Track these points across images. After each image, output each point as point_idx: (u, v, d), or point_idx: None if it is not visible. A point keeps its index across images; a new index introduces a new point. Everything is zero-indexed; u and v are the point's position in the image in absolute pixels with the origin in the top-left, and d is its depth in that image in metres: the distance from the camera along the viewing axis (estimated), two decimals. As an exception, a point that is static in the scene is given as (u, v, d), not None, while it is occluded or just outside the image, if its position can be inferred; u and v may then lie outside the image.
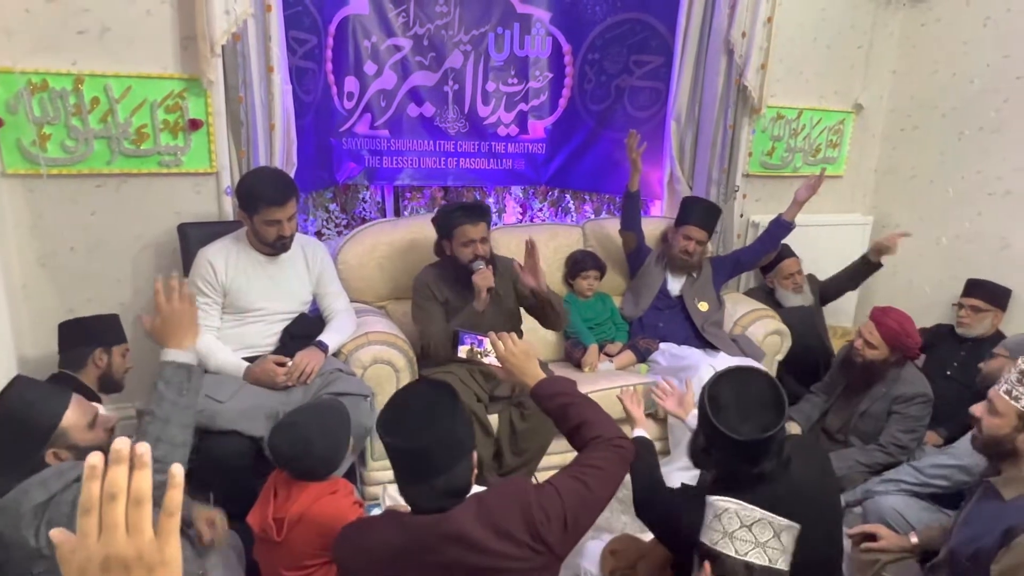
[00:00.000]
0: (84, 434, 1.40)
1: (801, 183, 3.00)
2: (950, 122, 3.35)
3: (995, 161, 3.16)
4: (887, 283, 3.65)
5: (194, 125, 2.44)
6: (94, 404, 1.48)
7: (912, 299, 3.48)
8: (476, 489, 1.28)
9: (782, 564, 1.18)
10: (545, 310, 2.44)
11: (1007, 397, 1.48)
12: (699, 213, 2.96)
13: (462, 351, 1.66)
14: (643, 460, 1.59)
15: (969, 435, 1.79)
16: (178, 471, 0.58)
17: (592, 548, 1.86)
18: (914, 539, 1.90)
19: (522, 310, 2.61)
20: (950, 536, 1.67)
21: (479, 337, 1.64)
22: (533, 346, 1.58)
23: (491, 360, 1.59)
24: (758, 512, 1.19)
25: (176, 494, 0.58)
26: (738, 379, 1.41)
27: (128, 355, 2.22)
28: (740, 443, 1.33)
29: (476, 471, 1.29)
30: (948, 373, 2.82)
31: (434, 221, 2.52)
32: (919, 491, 2.16)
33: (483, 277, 2.35)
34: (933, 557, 1.75)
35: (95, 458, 0.56)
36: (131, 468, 0.56)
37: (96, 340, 2.12)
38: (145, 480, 0.57)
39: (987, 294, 2.86)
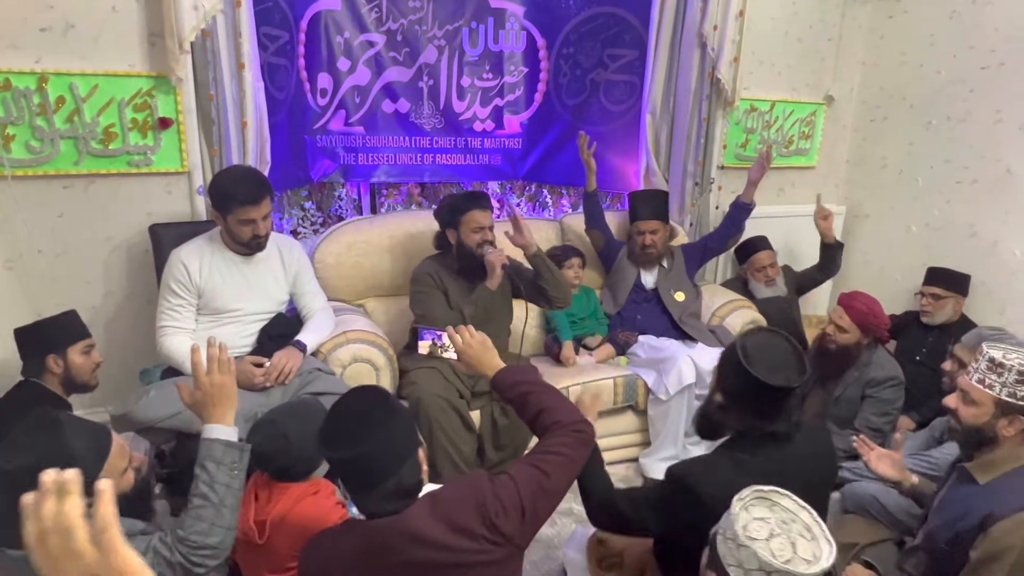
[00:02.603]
0: (119, 481, 1.33)
1: (758, 169, 3.04)
2: (918, 112, 3.42)
3: (962, 150, 3.22)
4: (860, 272, 3.72)
5: (164, 124, 2.40)
6: (124, 444, 1.38)
7: (884, 287, 3.54)
8: (431, 487, 1.27)
9: None
10: (542, 273, 2.45)
11: (980, 386, 1.50)
12: (644, 206, 3.00)
13: (422, 347, 1.65)
14: (591, 469, 1.56)
15: (946, 445, 1.82)
16: (106, 485, 0.63)
17: (577, 536, 1.87)
18: (915, 479, 1.87)
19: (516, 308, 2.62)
20: (926, 520, 1.71)
21: (438, 332, 1.64)
22: (487, 339, 1.56)
23: (450, 354, 1.59)
24: (785, 554, 1.10)
25: (104, 510, 0.62)
26: (766, 337, 1.47)
27: (93, 351, 2.09)
28: (770, 390, 1.37)
29: (426, 468, 1.27)
30: (918, 359, 2.88)
31: (437, 213, 2.55)
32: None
33: (497, 256, 2.40)
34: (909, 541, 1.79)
35: (28, 497, 0.60)
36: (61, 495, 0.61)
37: (47, 345, 2.01)
38: (71, 509, 0.61)
39: (946, 281, 2.93)
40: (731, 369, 1.45)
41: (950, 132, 3.27)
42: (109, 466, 1.31)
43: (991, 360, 1.49)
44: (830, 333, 2.48)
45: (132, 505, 1.36)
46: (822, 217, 3.27)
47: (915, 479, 1.89)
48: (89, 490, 1.25)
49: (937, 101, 3.32)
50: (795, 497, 1.19)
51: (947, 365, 2.17)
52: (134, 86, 2.34)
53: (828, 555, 1.10)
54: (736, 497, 1.17)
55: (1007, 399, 1.47)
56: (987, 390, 1.49)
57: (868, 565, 1.79)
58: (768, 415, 1.43)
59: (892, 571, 1.73)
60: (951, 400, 1.59)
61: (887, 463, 1.83)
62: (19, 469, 1.21)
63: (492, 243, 2.46)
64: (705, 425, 1.58)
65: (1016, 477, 1.49)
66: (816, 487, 1.56)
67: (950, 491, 1.66)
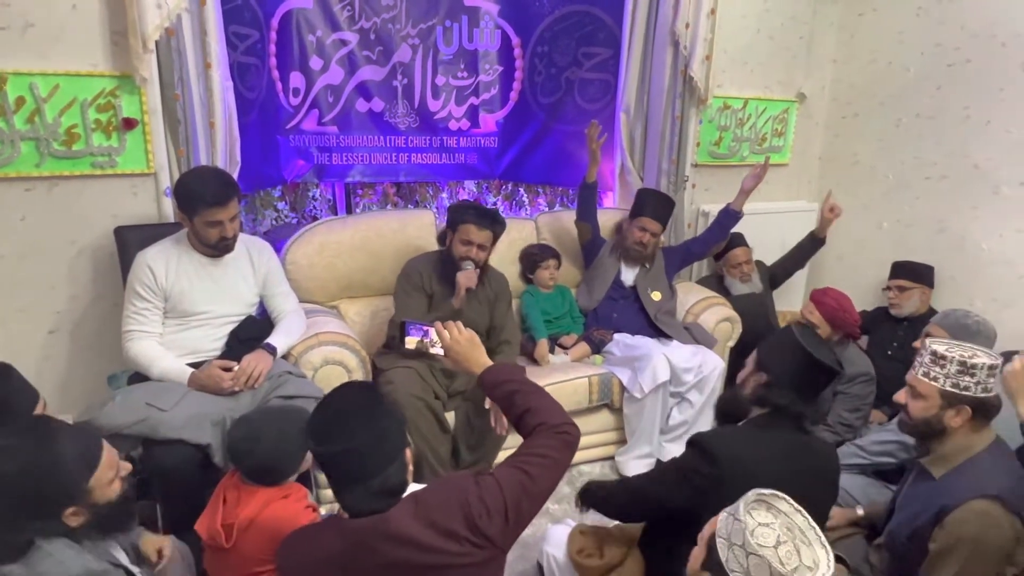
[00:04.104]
0: (105, 491, 1.30)
1: (748, 172, 3.06)
2: (888, 109, 3.46)
3: (930, 146, 3.27)
4: (833, 268, 3.76)
5: (128, 124, 2.35)
6: (114, 453, 1.35)
7: (856, 282, 3.59)
8: (415, 487, 1.26)
9: None
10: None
11: (926, 379, 1.54)
12: (654, 205, 2.99)
13: (410, 343, 1.64)
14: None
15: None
16: None
17: (556, 533, 1.86)
18: (860, 511, 1.98)
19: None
20: (890, 518, 1.73)
21: (425, 328, 1.63)
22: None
23: (437, 350, 1.58)
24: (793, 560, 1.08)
25: None
26: (813, 332, 1.63)
27: (45, 412, 1.64)
28: (818, 370, 1.51)
29: (411, 469, 1.27)
30: (889, 353, 2.92)
31: (448, 210, 2.58)
32: (866, 468, 2.24)
33: (467, 276, 2.40)
34: (878, 534, 1.81)
35: None
36: None
37: None
38: None
39: (910, 273, 2.98)
40: (783, 350, 1.56)
41: (919, 129, 3.31)
42: (98, 475, 1.28)
43: (934, 353, 1.53)
44: None
45: (116, 514, 1.33)
46: (829, 209, 3.28)
47: (860, 511, 1.98)
48: (80, 499, 1.24)
49: (906, 98, 3.36)
50: (790, 500, 1.19)
51: (918, 343, 2.20)
52: (97, 86, 2.29)
53: (827, 561, 1.08)
54: (742, 499, 1.16)
55: (951, 390, 1.51)
56: (932, 383, 1.53)
57: (838, 559, 1.81)
58: (807, 395, 1.54)
59: (861, 565, 1.75)
60: (900, 396, 1.63)
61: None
62: (3, 476, 1.18)
63: (475, 262, 2.45)
64: (732, 407, 1.67)
65: (967, 469, 1.52)
66: (819, 501, 1.58)
67: (910, 488, 1.69)
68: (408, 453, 1.25)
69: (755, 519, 1.12)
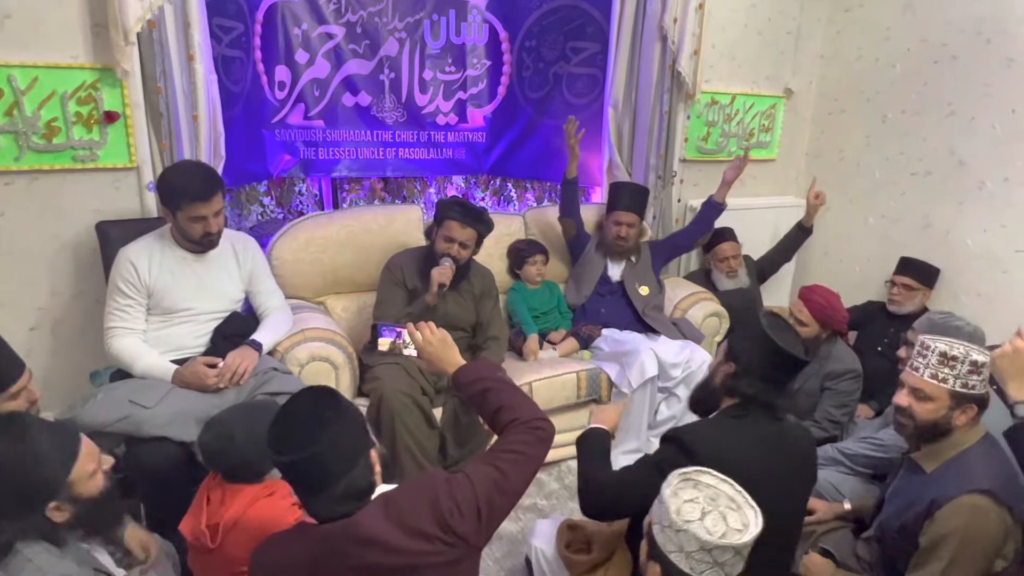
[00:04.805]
0: (87, 484, 1.28)
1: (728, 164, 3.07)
2: (874, 106, 3.47)
3: (916, 142, 3.29)
4: (820, 263, 3.78)
5: (110, 118, 2.31)
6: (93, 446, 1.34)
7: (843, 278, 3.61)
8: (385, 487, 1.25)
9: (738, 567, 1.17)
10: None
11: (935, 381, 1.52)
12: (625, 197, 2.99)
13: (383, 344, 1.62)
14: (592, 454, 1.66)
15: (892, 427, 1.86)
16: None
17: (544, 527, 1.86)
18: (847, 506, 1.99)
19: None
20: (879, 510, 1.74)
21: (397, 329, 1.61)
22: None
23: (411, 352, 1.57)
24: (718, 533, 1.13)
25: None
26: (779, 321, 1.60)
27: (26, 390, 1.58)
28: (784, 360, 1.49)
29: (378, 469, 1.24)
30: (879, 349, 2.93)
31: (436, 205, 2.56)
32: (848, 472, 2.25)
33: (440, 272, 2.37)
34: (866, 527, 1.82)
35: None
36: None
37: None
38: None
39: (919, 273, 2.97)
40: (751, 340, 1.55)
41: (905, 125, 3.33)
42: (79, 468, 1.26)
43: (943, 355, 1.51)
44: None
45: (100, 511, 1.32)
46: (814, 196, 3.28)
47: (847, 505, 1.98)
48: (61, 493, 1.22)
49: (892, 94, 3.38)
50: (715, 472, 1.25)
51: (902, 352, 2.19)
52: (77, 79, 2.25)
53: (755, 520, 1.16)
54: (664, 485, 1.21)
55: (961, 390, 1.49)
56: (941, 384, 1.51)
57: (825, 552, 1.82)
58: (776, 385, 1.53)
59: (848, 558, 1.76)
60: (902, 399, 1.59)
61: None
62: None
63: (454, 259, 2.42)
64: (704, 397, 1.65)
65: (958, 463, 1.52)
66: (797, 486, 1.59)
67: (900, 482, 1.69)
68: (373, 454, 1.23)
69: (680, 497, 1.18)
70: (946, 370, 1.50)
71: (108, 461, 1.37)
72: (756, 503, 1.21)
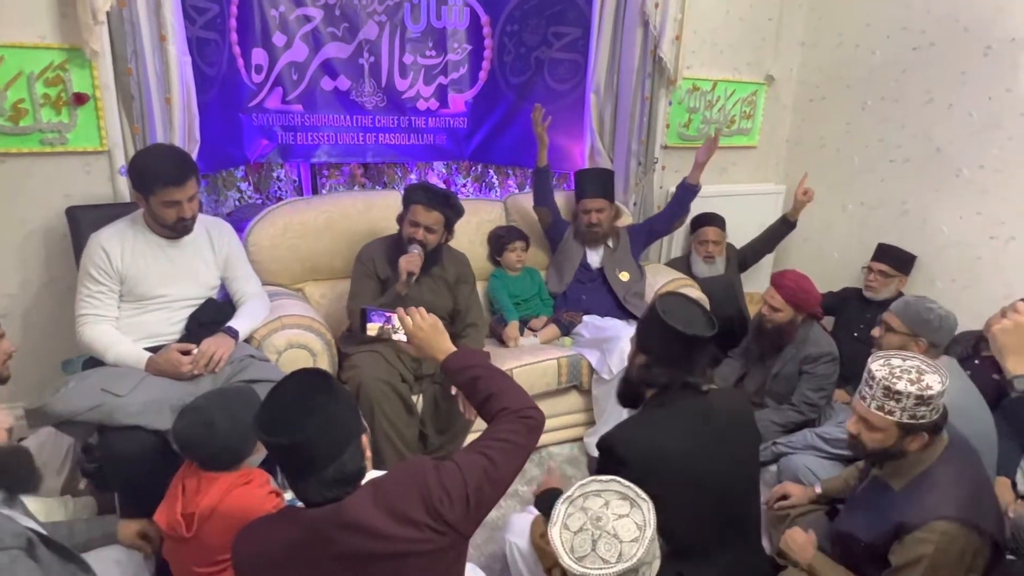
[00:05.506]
0: None
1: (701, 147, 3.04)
2: (854, 92, 3.49)
3: (894, 129, 3.31)
4: (799, 249, 3.81)
5: (79, 99, 2.26)
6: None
7: (822, 264, 3.64)
8: (375, 473, 1.24)
9: (653, 570, 1.23)
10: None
11: (881, 413, 1.48)
12: (590, 184, 2.99)
13: (371, 329, 1.60)
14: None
15: None
16: None
17: (518, 521, 1.86)
18: (818, 489, 2.02)
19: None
20: (841, 518, 1.75)
21: (387, 314, 1.59)
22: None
23: (400, 337, 1.56)
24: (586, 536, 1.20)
25: None
26: (677, 299, 1.62)
27: (3, 340, 1.76)
28: (687, 340, 1.50)
29: (369, 455, 1.24)
30: (855, 335, 2.95)
31: (404, 191, 2.50)
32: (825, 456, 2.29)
33: (408, 260, 2.31)
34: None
35: None
36: None
37: None
38: None
39: (895, 260, 3.00)
40: (652, 328, 1.56)
41: (884, 112, 3.35)
42: None
43: (887, 389, 1.46)
44: (765, 314, 2.53)
45: (8, 469, 1.29)
46: (803, 192, 3.28)
47: (818, 489, 2.02)
48: None
49: (872, 81, 3.39)
50: (594, 477, 1.30)
51: (876, 331, 2.21)
52: (45, 59, 2.19)
53: (648, 511, 1.21)
54: (550, 524, 1.25)
55: (908, 421, 1.46)
56: (888, 416, 1.47)
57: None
58: (686, 366, 1.54)
59: (823, 541, 1.78)
60: (852, 426, 1.57)
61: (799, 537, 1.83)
62: None
63: (422, 245, 2.37)
64: (627, 390, 1.66)
65: (925, 485, 1.50)
66: (740, 451, 1.60)
67: (865, 492, 1.69)
68: (364, 439, 1.22)
69: (571, 529, 1.23)
70: (892, 403, 1.46)
71: (6, 420, 1.37)
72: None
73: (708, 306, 3.03)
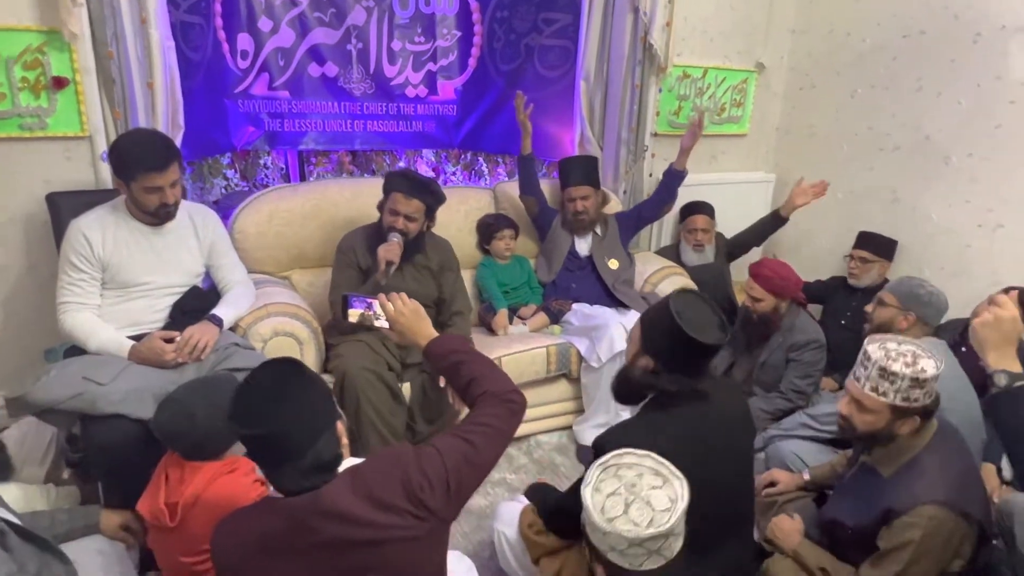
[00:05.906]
0: None
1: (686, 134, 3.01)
2: (844, 80, 3.48)
3: (884, 117, 3.30)
4: (789, 238, 3.80)
5: (59, 83, 2.21)
6: None
7: (811, 252, 3.64)
8: (353, 461, 1.22)
9: (677, 545, 1.20)
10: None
11: (875, 394, 1.48)
12: (573, 172, 2.97)
13: (352, 316, 1.59)
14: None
15: None
16: None
17: (507, 510, 1.85)
18: (806, 476, 2.02)
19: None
20: (829, 505, 1.75)
21: (368, 300, 1.58)
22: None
23: (382, 323, 1.54)
24: (638, 527, 1.15)
25: None
26: (691, 299, 1.52)
27: None
28: (701, 348, 1.44)
29: (345, 442, 1.23)
30: (842, 322, 2.97)
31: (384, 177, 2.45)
32: (815, 436, 2.29)
33: (387, 249, 2.29)
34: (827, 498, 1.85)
35: None
36: None
37: None
38: None
39: (875, 246, 3.01)
40: (662, 330, 1.47)
41: (873, 100, 3.34)
42: None
43: (882, 369, 1.46)
44: (748, 305, 2.53)
45: None
46: (801, 191, 3.23)
47: (806, 475, 2.01)
48: None
49: (862, 69, 3.38)
50: (632, 450, 1.25)
51: (870, 307, 2.22)
52: (22, 42, 2.15)
53: (682, 492, 1.18)
54: (583, 484, 1.22)
55: (901, 404, 1.46)
56: (881, 398, 1.47)
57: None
58: (697, 374, 1.49)
59: (811, 528, 1.78)
60: (843, 407, 1.56)
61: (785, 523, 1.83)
62: None
63: (403, 234, 2.34)
64: (625, 389, 1.60)
65: (914, 471, 1.50)
66: (740, 447, 1.59)
67: (854, 479, 1.68)
68: (340, 426, 1.21)
69: (603, 493, 1.20)
70: (886, 384, 1.46)
71: None
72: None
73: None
